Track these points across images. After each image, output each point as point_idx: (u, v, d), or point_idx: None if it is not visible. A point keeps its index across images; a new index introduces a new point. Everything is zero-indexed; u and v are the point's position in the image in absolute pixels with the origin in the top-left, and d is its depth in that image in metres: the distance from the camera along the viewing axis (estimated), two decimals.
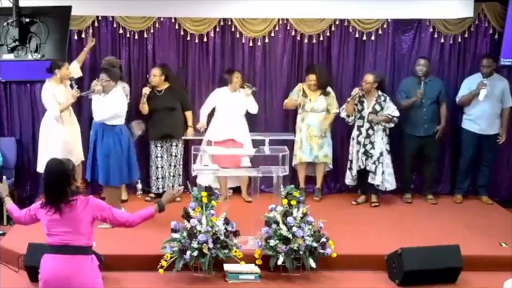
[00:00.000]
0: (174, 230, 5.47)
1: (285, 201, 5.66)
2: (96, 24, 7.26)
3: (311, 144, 7.24)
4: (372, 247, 5.94)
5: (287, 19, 7.39)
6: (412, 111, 7.20)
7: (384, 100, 7.02)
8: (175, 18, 7.32)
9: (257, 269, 5.52)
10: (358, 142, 7.05)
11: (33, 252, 5.25)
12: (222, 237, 5.43)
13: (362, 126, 7.04)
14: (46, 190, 3.90)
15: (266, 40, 7.43)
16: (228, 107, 7.08)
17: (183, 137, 7.15)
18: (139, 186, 7.35)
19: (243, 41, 7.41)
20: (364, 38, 7.45)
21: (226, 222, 5.54)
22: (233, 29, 7.38)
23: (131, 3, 7.04)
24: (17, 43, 4.57)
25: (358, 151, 7.05)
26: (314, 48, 7.48)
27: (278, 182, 5.92)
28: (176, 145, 7.18)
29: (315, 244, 5.48)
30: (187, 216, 5.52)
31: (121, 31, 7.32)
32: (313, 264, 5.48)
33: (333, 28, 7.43)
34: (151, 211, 4.04)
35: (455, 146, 7.56)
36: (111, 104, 6.10)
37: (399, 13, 7.35)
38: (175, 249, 5.40)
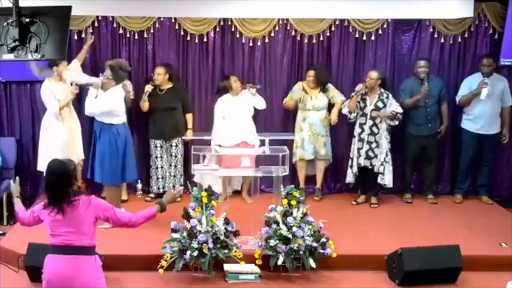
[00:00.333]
0: (174, 230, 5.47)
1: (285, 201, 5.66)
2: (96, 24, 7.26)
3: (314, 143, 7.24)
4: (372, 247, 5.94)
5: (287, 19, 7.39)
6: (416, 111, 7.19)
7: (387, 97, 7.02)
8: (175, 18, 7.32)
9: (257, 269, 5.53)
10: (361, 140, 7.04)
11: (33, 252, 5.25)
12: (222, 237, 5.43)
13: (365, 123, 7.04)
14: (48, 191, 3.91)
15: (266, 40, 7.43)
16: (235, 113, 7.05)
17: (182, 137, 7.14)
18: (139, 186, 7.36)
19: (243, 41, 7.41)
20: (364, 38, 7.45)
21: (226, 222, 5.54)
22: (233, 29, 7.38)
23: (131, 3, 7.03)
24: (17, 43, 4.56)
25: (360, 149, 7.04)
26: (314, 48, 7.48)
27: (278, 182, 5.92)
28: (176, 145, 7.18)
29: (315, 244, 5.48)
30: (187, 216, 5.52)
31: (121, 31, 7.32)
32: (313, 264, 5.48)
33: (333, 28, 7.43)
34: (153, 211, 4.06)
35: (455, 146, 7.56)
36: (106, 101, 6.09)
37: (399, 13, 7.35)
38: (175, 249, 5.40)
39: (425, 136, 7.25)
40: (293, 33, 7.42)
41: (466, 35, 7.49)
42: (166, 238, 5.49)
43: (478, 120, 7.23)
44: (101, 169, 6.16)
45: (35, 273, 5.21)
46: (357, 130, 7.10)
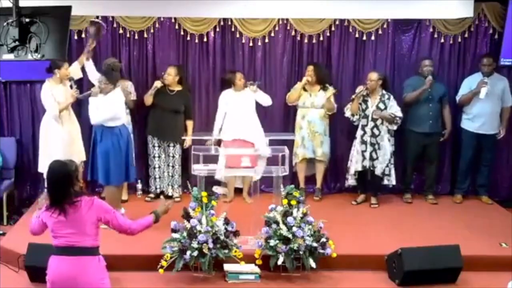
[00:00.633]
0: (174, 230, 5.47)
1: (285, 201, 5.66)
2: None
3: (312, 140, 7.24)
4: (372, 247, 5.94)
5: (287, 19, 7.39)
6: (418, 107, 7.19)
7: (388, 99, 7.01)
8: (175, 18, 7.32)
9: (257, 269, 5.52)
10: (364, 142, 7.03)
11: (33, 252, 5.25)
12: (222, 237, 5.43)
13: (367, 125, 7.03)
14: (50, 192, 3.91)
15: (266, 40, 7.43)
16: (236, 107, 7.08)
17: (182, 138, 7.13)
18: (139, 186, 7.35)
19: (243, 41, 7.42)
20: (364, 38, 7.45)
21: (226, 222, 5.54)
22: (233, 29, 7.38)
23: (131, 3, 7.03)
24: (17, 43, 4.56)
25: (364, 151, 7.03)
26: (314, 48, 7.48)
27: (278, 182, 5.92)
28: (174, 146, 7.17)
29: (315, 244, 5.48)
30: (187, 216, 5.52)
31: (121, 31, 7.32)
32: (313, 264, 5.48)
33: (333, 28, 7.43)
34: (150, 220, 4.11)
35: (455, 146, 7.56)
36: (108, 106, 6.08)
37: (399, 13, 7.35)
38: (175, 249, 5.40)
39: (426, 135, 7.25)
40: (293, 33, 7.42)
41: (466, 35, 7.50)
42: (166, 238, 5.49)
43: (477, 119, 7.23)
44: (104, 170, 6.14)
45: (35, 273, 5.21)
46: (359, 132, 7.09)
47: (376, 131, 7.02)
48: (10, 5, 4.53)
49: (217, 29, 7.36)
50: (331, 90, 7.21)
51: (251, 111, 7.14)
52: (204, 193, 5.57)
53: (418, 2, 7.30)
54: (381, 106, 7.00)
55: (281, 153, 5.92)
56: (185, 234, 5.40)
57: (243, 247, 5.56)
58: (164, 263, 5.33)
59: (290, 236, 5.46)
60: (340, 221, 6.44)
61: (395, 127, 7.05)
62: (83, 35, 7.23)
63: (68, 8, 4.71)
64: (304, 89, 7.25)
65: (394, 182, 7.15)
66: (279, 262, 5.46)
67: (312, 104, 7.21)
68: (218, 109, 7.22)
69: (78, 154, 6.71)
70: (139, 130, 7.33)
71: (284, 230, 5.48)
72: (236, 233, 5.57)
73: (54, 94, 6.64)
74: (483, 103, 7.12)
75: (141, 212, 6.68)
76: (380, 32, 7.44)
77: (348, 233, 6.17)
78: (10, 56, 4.64)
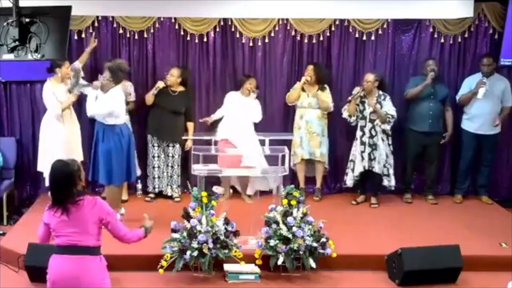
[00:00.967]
0: (174, 230, 5.47)
1: (285, 201, 5.66)
2: (96, 24, 7.26)
3: (310, 141, 7.24)
4: (372, 247, 5.94)
5: (287, 19, 7.39)
6: (419, 105, 7.19)
7: (384, 99, 7.02)
8: (175, 18, 7.32)
9: (257, 269, 5.52)
10: (363, 143, 7.04)
11: (33, 252, 5.25)
12: (222, 237, 5.43)
13: (365, 126, 7.04)
14: (52, 192, 3.93)
15: (266, 40, 7.43)
16: (235, 109, 7.09)
17: (183, 137, 7.13)
18: (139, 186, 7.34)
19: (243, 41, 7.41)
20: (364, 38, 7.45)
21: (226, 222, 5.54)
22: (233, 29, 7.38)
23: (131, 3, 7.03)
24: (17, 43, 4.56)
25: (363, 152, 7.04)
26: (314, 48, 7.48)
27: (278, 182, 5.91)
28: (173, 146, 7.17)
29: (315, 244, 5.48)
30: (187, 216, 5.52)
31: (121, 31, 7.32)
32: (313, 264, 5.48)
33: (333, 28, 7.43)
34: (142, 234, 4.14)
35: (455, 146, 7.56)
36: (107, 102, 6.07)
37: (399, 13, 7.35)
38: (175, 249, 5.40)
39: (425, 134, 7.24)
40: (293, 33, 7.42)
41: (466, 35, 7.50)
42: (166, 238, 5.49)
43: (476, 119, 7.23)
44: (106, 170, 6.13)
45: (35, 273, 5.21)
46: (358, 133, 7.09)
47: (373, 132, 7.02)
48: (10, 5, 4.53)
49: (217, 29, 7.36)
50: (327, 91, 7.21)
51: (247, 118, 7.14)
52: (204, 193, 5.57)
53: (418, 2, 7.30)
54: (378, 107, 7.00)
55: (281, 153, 5.92)
56: (185, 234, 5.40)
57: (243, 247, 5.56)
58: (164, 263, 5.33)
59: (290, 236, 5.46)
60: (340, 221, 6.43)
61: (388, 127, 7.03)
62: (83, 35, 7.23)
63: (68, 8, 4.71)
64: (303, 89, 7.24)
65: (393, 183, 7.14)
66: (279, 262, 5.46)
67: (310, 104, 7.21)
68: (223, 106, 7.24)
69: (77, 155, 6.70)
70: (139, 130, 7.32)
71: (284, 230, 5.48)
72: (236, 233, 5.57)
73: (56, 93, 6.65)
74: (482, 103, 7.12)
75: (141, 212, 6.70)
76: (380, 32, 7.44)
77: (348, 233, 6.17)
78: (10, 56, 4.64)
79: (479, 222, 6.68)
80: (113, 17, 7.27)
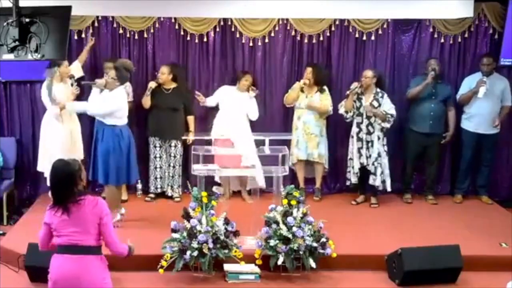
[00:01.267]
0: (174, 230, 5.47)
1: (285, 201, 5.66)
2: (96, 24, 7.27)
3: (307, 142, 7.24)
4: (372, 247, 5.94)
5: (287, 19, 7.39)
6: (420, 106, 7.18)
7: (382, 97, 7.01)
8: (175, 18, 7.32)
9: (257, 269, 5.52)
10: (359, 139, 7.03)
11: (33, 252, 5.24)
12: (222, 237, 5.43)
13: (362, 122, 7.03)
14: (53, 191, 3.92)
15: (266, 40, 7.43)
16: (230, 105, 7.08)
17: (183, 137, 7.12)
18: (139, 186, 7.34)
19: (243, 41, 7.42)
20: (364, 38, 7.45)
21: (226, 222, 5.54)
22: (233, 29, 7.38)
23: (131, 3, 7.04)
24: (17, 43, 4.56)
25: (360, 148, 7.03)
26: (314, 48, 7.48)
27: (278, 182, 5.92)
28: (175, 146, 7.17)
29: (315, 244, 5.48)
30: (187, 216, 5.52)
31: (121, 31, 7.32)
32: (313, 264, 5.48)
33: (333, 28, 7.43)
34: (126, 250, 4.11)
35: (455, 146, 7.56)
36: (109, 102, 6.06)
37: (399, 13, 7.36)
38: (175, 249, 5.40)
39: (426, 135, 7.24)
40: (293, 33, 7.42)
41: (466, 35, 7.50)
42: (166, 238, 5.49)
43: (475, 118, 7.24)
44: (104, 170, 6.13)
45: (35, 273, 5.21)
46: (354, 130, 7.09)
47: (371, 129, 7.01)
48: (10, 5, 4.53)
49: (217, 29, 7.36)
50: (326, 93, 7.21)
51: (243, 114, 7.13)
52: (204, 193, 5.57)
53: (418, 2, 7.31)
54: (375, 103, 6.99)
55: (281, 153, 5.92)
56: (185, 234, 5.40)
57: (243, 247, 5.56)
58: (164, 263, 5.33)
59: (290, 236, 5.46)
60: (340, 221, 6.43)
61: (388, 125, 7.03)
62: (83, 35, 7.23)
63: (68, 8, 4.71)
64: (301, 90, 7.24)
65: (378, 183, 7.03)
66: (279, 262, 5.46)
67: (308, 105, 7.21)
68: (213, 95, 7.22)
69: (77, 154, 6.71)
70: (139, 131, 7.32)
71: (284, 230, 5.48)
72: (236, 233, 5.57)
73: (55, 92, 6.64)
74: (482, 103, 7.12)
75: (141, 212, 6.75)
76: (380, 32, 7.44)
77: (348, 233, 6.16)
78: (10, 56, 4.64)
79: (479, 222, 6.68)
80: (113, 17, 7.28)
